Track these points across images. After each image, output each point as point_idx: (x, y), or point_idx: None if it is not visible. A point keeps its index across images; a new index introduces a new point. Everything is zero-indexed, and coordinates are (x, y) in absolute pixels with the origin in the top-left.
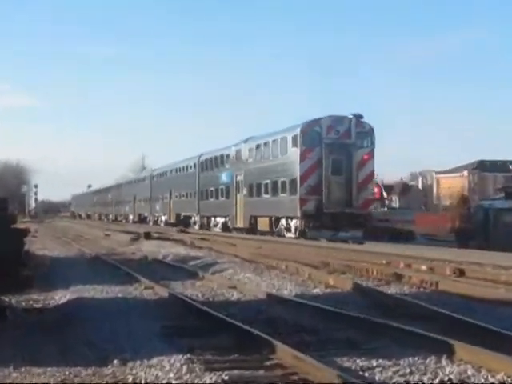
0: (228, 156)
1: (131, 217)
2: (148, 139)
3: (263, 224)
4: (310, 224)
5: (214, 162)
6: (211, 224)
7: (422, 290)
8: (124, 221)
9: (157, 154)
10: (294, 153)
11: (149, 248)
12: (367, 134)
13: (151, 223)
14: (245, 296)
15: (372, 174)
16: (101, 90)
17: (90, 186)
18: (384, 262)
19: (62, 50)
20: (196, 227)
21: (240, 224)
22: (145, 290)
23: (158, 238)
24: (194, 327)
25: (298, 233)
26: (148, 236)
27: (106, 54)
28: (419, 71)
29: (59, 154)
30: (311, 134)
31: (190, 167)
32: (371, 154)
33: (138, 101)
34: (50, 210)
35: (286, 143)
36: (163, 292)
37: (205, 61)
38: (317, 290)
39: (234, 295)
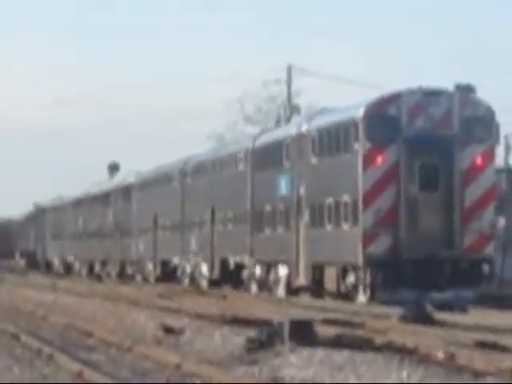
0: (288, 146)
1: (151, 267)
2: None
3: (330, 279)
4: (379, 278)
5: (271, 155)
6: (270, 279)
7: None
8: (140, 276)
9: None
10: (355, 153)
11: (306, 375)
12: (482, 119)
13: (186, 281)
14: None
15: (492, 190)
16: None
17: (114, 169)
18: None
19: None
20: (253, 288)
21: (302, 279)
22: None
23: (338, 342)
24: None
25: (368, 294)
26: (303, 333)
27: None
28: None
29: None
30: (382, 121)
31: (239, 160)
32: (490, 155)
33: None
34: None
35: (348, 133)
36: None
37: None
38: None
39: None
